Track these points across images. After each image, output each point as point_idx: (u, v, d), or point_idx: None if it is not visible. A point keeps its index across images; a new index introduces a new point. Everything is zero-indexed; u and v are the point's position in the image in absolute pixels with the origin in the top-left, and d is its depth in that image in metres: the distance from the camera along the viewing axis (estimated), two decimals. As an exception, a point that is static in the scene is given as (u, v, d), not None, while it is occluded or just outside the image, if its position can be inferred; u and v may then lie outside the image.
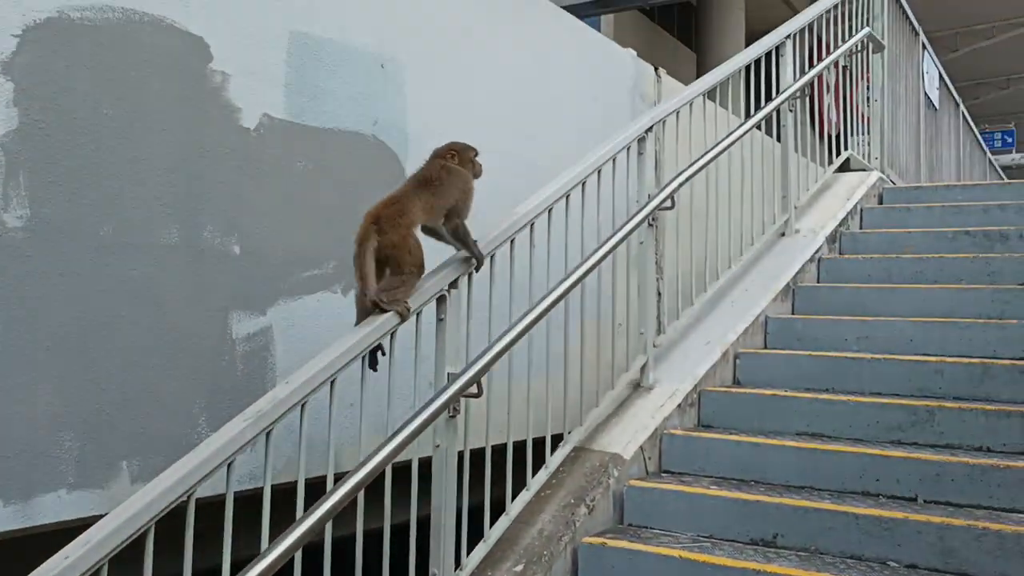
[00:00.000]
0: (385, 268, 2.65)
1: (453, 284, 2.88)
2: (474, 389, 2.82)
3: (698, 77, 4.80)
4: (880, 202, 5.75)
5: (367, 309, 2.62)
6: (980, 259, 4.57)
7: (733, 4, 14.61)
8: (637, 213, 3.78)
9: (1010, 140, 24.32)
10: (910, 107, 7.10)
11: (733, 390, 4.01)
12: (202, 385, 2.80)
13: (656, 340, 4.06)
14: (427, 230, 2.83)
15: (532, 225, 3.30)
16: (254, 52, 2.99)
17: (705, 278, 4.46)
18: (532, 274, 3.26)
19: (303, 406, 2.35)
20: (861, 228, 5.44)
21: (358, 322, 2.63)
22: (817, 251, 4.97)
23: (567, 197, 3.49)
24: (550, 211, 3.39)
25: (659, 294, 4.59)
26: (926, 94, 7.62)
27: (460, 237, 2.87)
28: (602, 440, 3.61)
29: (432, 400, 2.64)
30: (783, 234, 5.12)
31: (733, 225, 4.66)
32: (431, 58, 3.81)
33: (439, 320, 2.87)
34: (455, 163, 2.91)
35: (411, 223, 2.69)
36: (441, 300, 2.85)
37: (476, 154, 2.99)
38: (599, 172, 3.69)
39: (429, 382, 2.85)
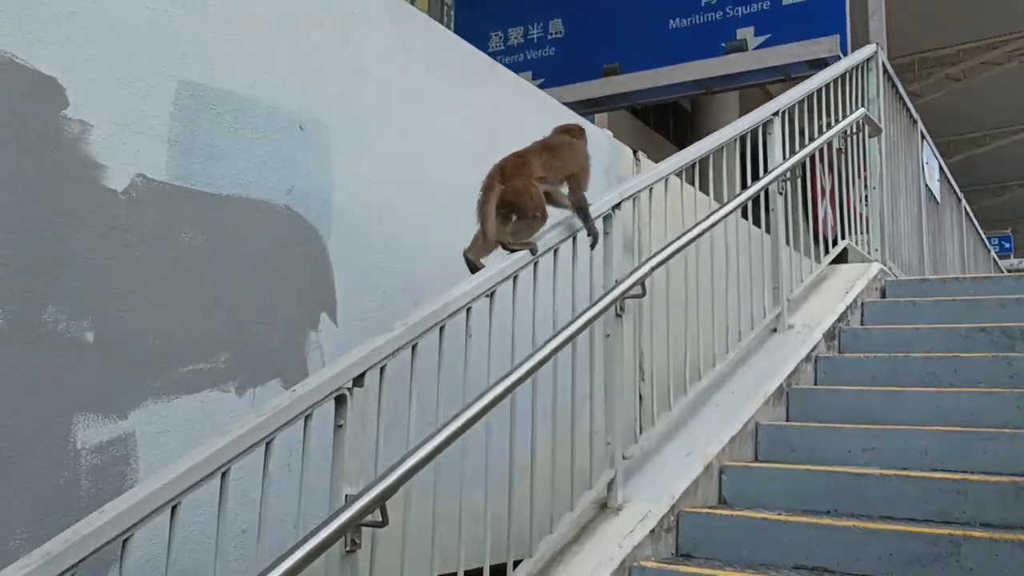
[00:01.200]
0: (510, 217, 2.98)
1: (358, 380, 2.31)
2: (377, 516, 2.22)
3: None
4: (883, 295, 5.21)
5: (487, 247, 2.96)
6: (1000, 359, 3.99)
7: (727, 108, 14.40)
8: (601, 299, 3.24)
9: (1008, 245, 24.05)
10: (911, 198, 6.64)
11: (718, 511, 3.37)
12: (27, 508, 2.19)
13: (627, 451, 3.45)
14: (547, 197, 3.07)
15: (469, 310, 2.75)
16: (126, 100, 2.49)
17: (685, 378, 3.88)
18: (467, 370, 2.69)
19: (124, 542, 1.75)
20: (863, 324, 4.88)
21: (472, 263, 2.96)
22: (814, 349, 4.40)
23: (515, 278, 2.96)
24: (492, 294, 2.84)
25: (640, 397, 4.01)
26: (927, 185, 7.18)
27: (580, 206, 3.18)
28: (557, 575, 2.97)
29: (315, 531, 2.04)
30: (775, 330, 4.55)
31: (718, 319, 4.11)
32: (366, 121, 3.33)
33: (337, 427, 2.28)
34: (580, 139, 3.30)
35: (532, 173, 3.00)
36: (341, 401, 2.28)
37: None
38: (556, 251, 3.16)
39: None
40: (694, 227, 3.86)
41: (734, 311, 4.23)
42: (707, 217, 3.97)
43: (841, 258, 5.42)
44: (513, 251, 2.93)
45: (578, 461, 3.21)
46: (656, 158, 4.42)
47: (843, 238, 5.32)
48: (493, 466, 2.76)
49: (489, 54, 9.06)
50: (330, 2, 3.26)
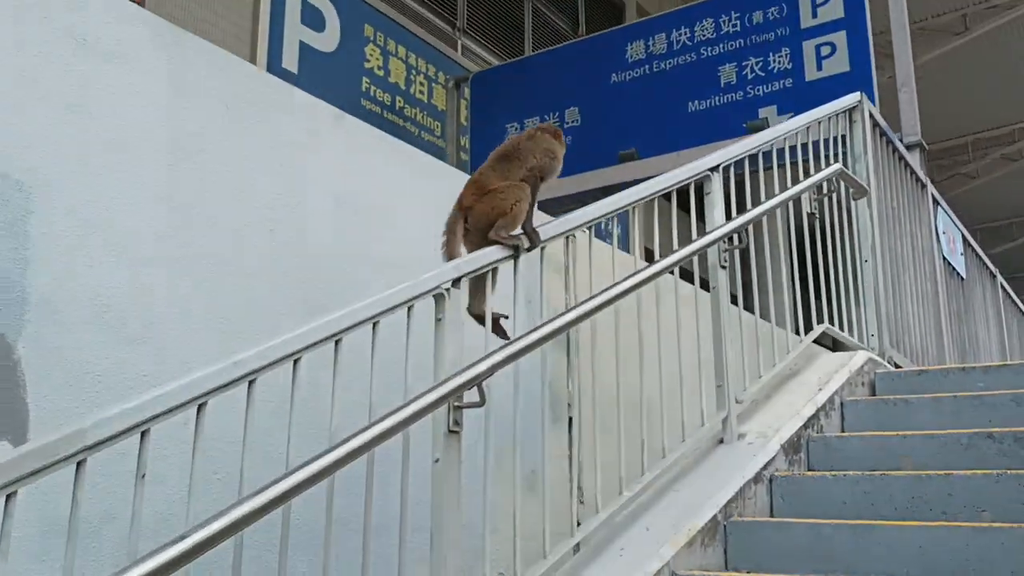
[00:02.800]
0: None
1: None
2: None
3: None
4: (872, 392, 4.15)
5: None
6: (1010, 478, 2.92)
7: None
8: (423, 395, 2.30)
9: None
10: (922, 273, 5.58)
11: None
12: None
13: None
14: None
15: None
16: None
17: (572, 514, 2.89)
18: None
19: None
20: (842, 430, 3.83)
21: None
22: (767, 465, 3.35)
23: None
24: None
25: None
26: (945, 259, 6.12)
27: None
28: None
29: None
30: (722, 440, 3.54)
31: (629, 431, 3.13)
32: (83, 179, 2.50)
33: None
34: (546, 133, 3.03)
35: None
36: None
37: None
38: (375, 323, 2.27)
39: None
40: (591, 298, 2.95)
41: (657, 420, 3.25)
42: (610, 289, 3.04)
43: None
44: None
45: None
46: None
47: (820, 321, 4.30)
48: None
49: (504, 147, 8.57)
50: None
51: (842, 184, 4.46)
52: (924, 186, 5.93)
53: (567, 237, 3.19)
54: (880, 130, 5.22)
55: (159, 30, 2.77)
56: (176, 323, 2.62)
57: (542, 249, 3.01)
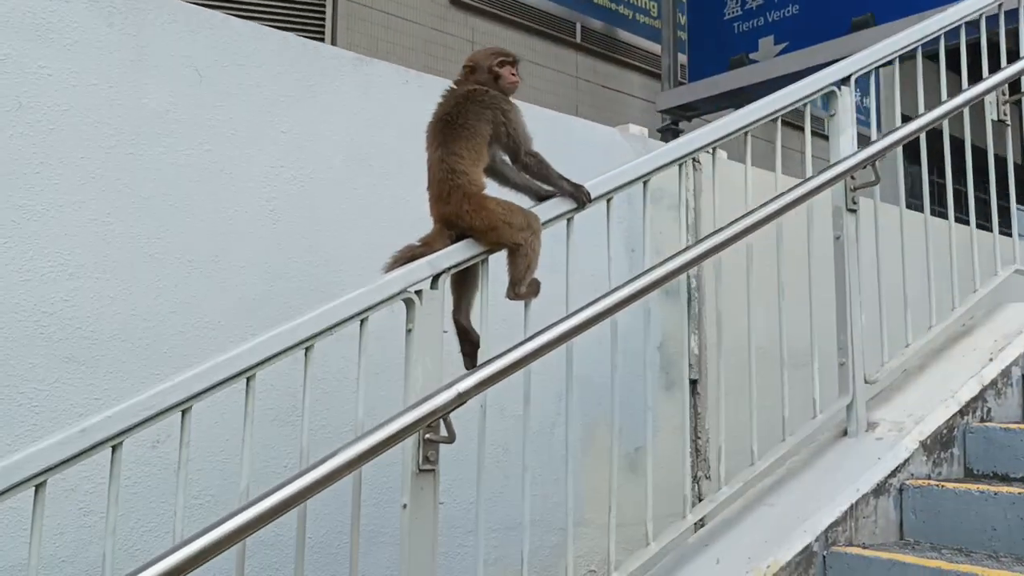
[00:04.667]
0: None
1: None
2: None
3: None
4: (1076, 359, 3.19)
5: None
6: None
7: None
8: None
9: None
10: None
11: None
12: None
13: None
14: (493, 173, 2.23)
15: None
16: None
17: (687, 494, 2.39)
18: None
19: None
20: (1022, 419, 2.96)
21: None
22: (896, 471, 2.61)
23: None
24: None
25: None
26: None
27: (532, 167, 2.20)
28: None
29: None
30: (845, 432, 2.82)
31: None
32: None
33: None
34: (472, 84, 2.20)
35: (466, 188, 2.09)
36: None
37: (504, 61, 2.22)
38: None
39: None
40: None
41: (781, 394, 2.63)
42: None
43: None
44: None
45: None
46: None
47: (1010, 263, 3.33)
48: None
49: (724, 21, 7.67)
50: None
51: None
52: None
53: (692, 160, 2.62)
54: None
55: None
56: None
57: (645, 183, 2.48)
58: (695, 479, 3.72)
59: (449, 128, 2.12)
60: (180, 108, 2.48)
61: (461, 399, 1.95)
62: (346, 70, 2.86)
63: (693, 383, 3.83)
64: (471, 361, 2.28)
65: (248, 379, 1.87)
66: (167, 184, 2.43)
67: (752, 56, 7.68)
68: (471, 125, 2.11)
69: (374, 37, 6.23)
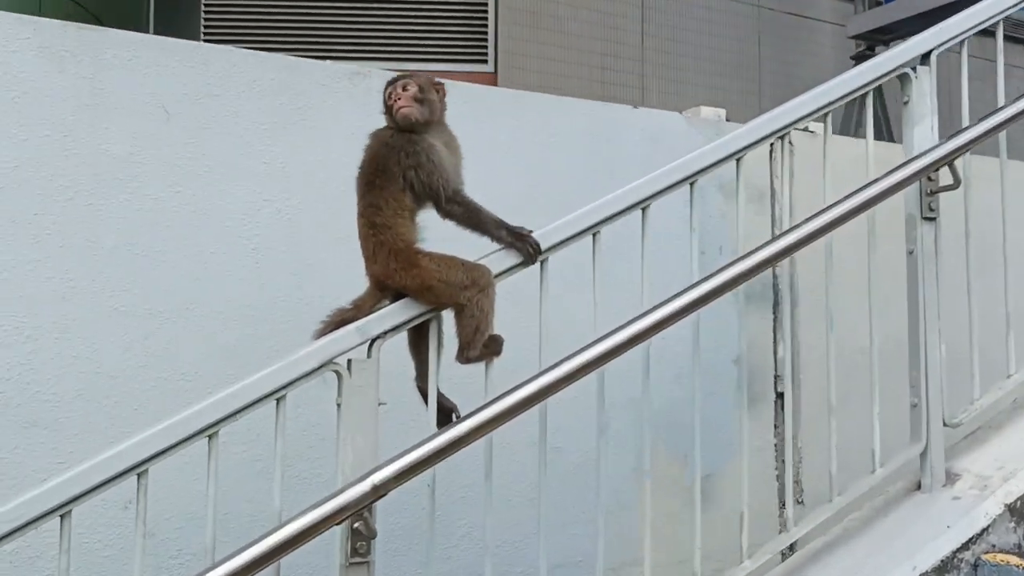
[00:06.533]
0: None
1: None
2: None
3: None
4: None
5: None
6: None
7: None
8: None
9: None
10: None
11: None
12: None
13: None
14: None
15: None
16: None
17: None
18: None
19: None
20: None
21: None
22: (970, 543, 2.14)
23: None
24: None
25: None
26: None
27: (465, 218, 1.89)
28: None
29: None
30: (919, 487, 2.36)
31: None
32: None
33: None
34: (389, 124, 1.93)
35: (391, 244, 1.83)
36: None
37: (388, 87, 1.92)
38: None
39: None
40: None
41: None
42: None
43: None
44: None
45: None
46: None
47: None
48: None
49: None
50: None
51: None
52: None
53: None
54: None
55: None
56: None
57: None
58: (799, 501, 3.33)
59: (364, 178, 1.87)
60: (145, 150, 2.35)
61: (377, 492, 1.72)
62: (341, 86, 2.64)
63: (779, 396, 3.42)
64: (446, 419, 2.04)
65: (140, 474, 1.72)
66: (132, 232, 2.32)
67: (958, -32, 6.66)
68: (388, 171, 1.85)
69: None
